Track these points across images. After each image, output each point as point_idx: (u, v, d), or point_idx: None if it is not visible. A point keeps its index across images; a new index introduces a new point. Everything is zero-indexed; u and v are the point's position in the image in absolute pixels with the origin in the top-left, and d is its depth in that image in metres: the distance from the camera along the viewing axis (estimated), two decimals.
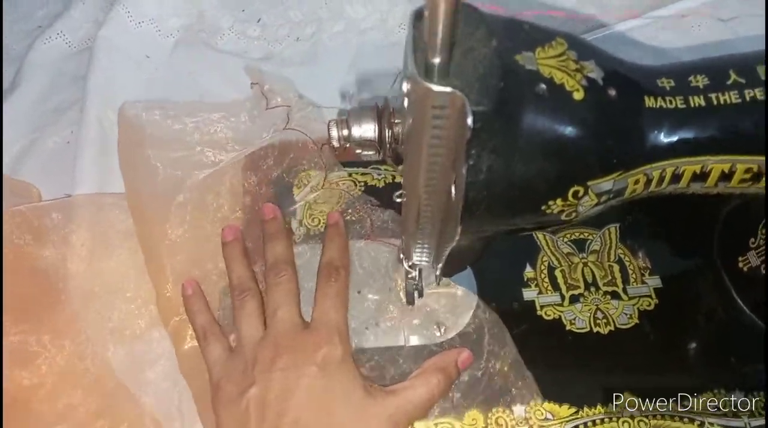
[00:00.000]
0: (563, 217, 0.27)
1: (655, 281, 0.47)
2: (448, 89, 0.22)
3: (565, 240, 0.49)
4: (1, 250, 0.47)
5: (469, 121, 0.22)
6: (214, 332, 0.44)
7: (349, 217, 0.49)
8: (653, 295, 0.46)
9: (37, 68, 0.65)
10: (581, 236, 0.49)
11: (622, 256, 0.48)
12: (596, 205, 0.27)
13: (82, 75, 0.63)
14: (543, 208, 0.26)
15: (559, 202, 0.26)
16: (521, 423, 0.42)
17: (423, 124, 0.24)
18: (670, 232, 0.50)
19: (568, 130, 0.24)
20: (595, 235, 0.49)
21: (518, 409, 0.43)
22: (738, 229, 0.46)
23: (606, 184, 0.26)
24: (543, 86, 0.24)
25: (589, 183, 0.26)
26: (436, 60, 0.23)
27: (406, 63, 0.25)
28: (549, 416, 0.42)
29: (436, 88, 0.22)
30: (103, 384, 0.45)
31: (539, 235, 0.49)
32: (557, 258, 0.48)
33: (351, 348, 0.42)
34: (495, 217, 0.27)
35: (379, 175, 0.52)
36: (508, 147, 0.24)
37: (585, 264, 0.48)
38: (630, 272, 0.47)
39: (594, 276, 0.47)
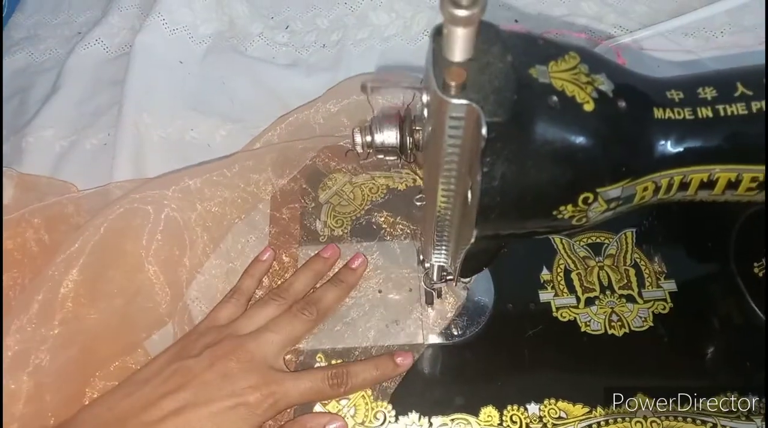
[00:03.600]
0: (574, 222, 0.28)
1: (670, 285, 0.48)
2: (465, 101, 0.24)
3: (582, 243, 0.50)
4: (0, 250, 0.50)
5: (484, 131, 0.24)
6: (242, 300, 0.47)
7: (371, 218, 0.51)
8: (668, 299, 0.47)
9: (77, 73, 0.68)
10: (597, 240, 0.50)
11: (637, 260, 0.49)
12: (606, 211, 0.28)
13: (119, 79, 0.66)
14: (554, 213, 0.28)
15: (569, 207, 0.27)
16: (535, 421, 0.43)
17: (441, 134, 0.26)
18: (686, 237, 0.51)
19: (578, 140, 0.26)
20: (611, 239, 0.50)
21: (532, 407, 0.44)
22: (754, 235, 0.47)
23: (614, 191, 0.27)
24: (555, 98, 0.26)
25: (598, 190, 0.27)
26: (454, 79, 0.24)
27: (426, 76, 0.27)
28: (563, 414, 0.44)
29: (454, 101, 0.24)
30: None
31: (556, 239, 0.50)
32: (573, 262, 0.49)
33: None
34: (508, 221, 0.29)
35: (401, 178, 0.54)
36: (521, 155, 0.26)
37: (601, 268, 0.49)
38: (645, 276, 0.48)
39: (610, 279, 0.48)
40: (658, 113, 0.28)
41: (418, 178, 0.53)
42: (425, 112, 0.29)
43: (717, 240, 0.50)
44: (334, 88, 0.61)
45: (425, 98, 0.28)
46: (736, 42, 0.67)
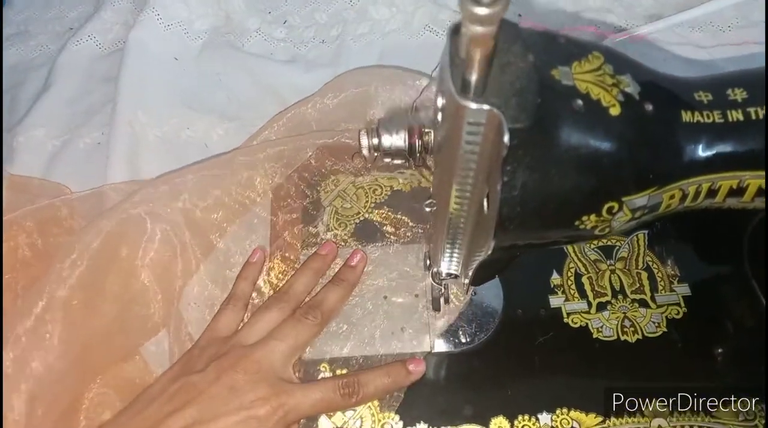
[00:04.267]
0: (596, 232, 0.27)
1: (683, 289, 0.47)
2: (486, 107, 0.22)
3: (592, 247, 0.49)
4: (0, 251, 0.48)
5: (506, 139, 0.22)
6: (239, 305, 0.46)
7: (375, 221, 0.50)
8: (682, 303, 0.46)
9: (69, 70, 0.66)
10: (609, 243, 0.49)
11: (650, 264, 0.48)
12: (630, 220, 0.27)
13: (112, 76, 0.64)
14: (576, 223, 0.26)
15: (593, 217, 0.26)
16: None
17: (457, 140, 0.24)
18: (699, 240, 0.49)
19: (604, 146, 0.24)
20: (623, 242, 0.49)
21: (544, 417, 0.43)
22: None
23: (641, 199, 0.26)
24: (579, 102, 0.24)
25: (624, 198, 0.26)
26: (473, 77, 0.23)
27: (442, 77, 0.26)
28: (575, 425, 0.42)
29: (473, 105, 0.23)
30: None
31: None
32: (584, 265, 0.48)
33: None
34: (528, 232, 0.27)
35: (405, 179, 0.52)
36: (543, 163, 0.24)
37: (612, 272, 0.48)
38: (658, 280, 0.47)
39: (622, 283, 0.47)
40: (686, 116, 0.26)
41: (424, 179, 0.52)
42: (439, 116, 0.28)
43: (730, 242, 0.48)
44: (331, 82, 0.60)
45: (440, 102, 0.26)
46: (744, 36, 0.66)
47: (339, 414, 0.43)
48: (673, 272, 0.47)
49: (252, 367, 0.40)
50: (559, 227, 0.27)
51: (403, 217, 0.50)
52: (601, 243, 0.49)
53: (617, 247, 0.49)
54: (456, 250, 0.34)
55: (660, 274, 0.47)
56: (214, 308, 0.47)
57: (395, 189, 0.51)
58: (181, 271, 0.48)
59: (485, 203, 0.27)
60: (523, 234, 0.27)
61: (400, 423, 0.42)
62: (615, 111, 0.24)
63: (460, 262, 0.36)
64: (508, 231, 0.26)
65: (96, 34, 0.68)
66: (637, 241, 0.49)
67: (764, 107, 0.26)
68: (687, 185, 0.27)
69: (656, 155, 0.26)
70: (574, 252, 0.48)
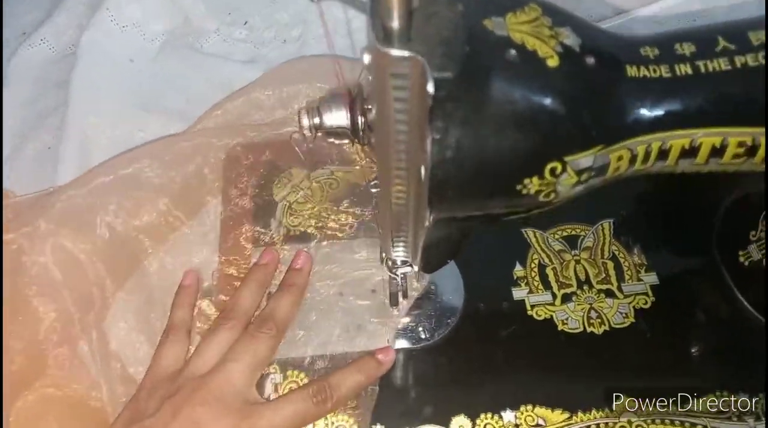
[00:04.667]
0: (541, 198, 0.25)
1: (651, 278, 0.45)
2: (407, 53, 0.20)
3: (557, 237, 0.47)
4: (0, 253, 0.45)
5: (430, 87, 0.20)
6: (180, 335, 0.41)
7: (331, 215, 0.48)
8: (650, 293, 0.44)
9: (20, 74, 0.64)
10: (573, 232, 0.47)
11: (616, 253, 0.46)
12: (577, 184, 0.25)
13: (65, 80, 0.62)
14: (518, 187, 0.24)
15: (535, 180, 0.24)
16: None
17: (385, 97, 0.23)
18: (667, 227, 0.48)
19: (542, 100, 0.23)
20: (587, 231, 0.47)
21: (508, 415, 0.40)
22: (738, 222, 0.44)
23: (586, 159, 0.24)
24: (513, 52, 0.22)
25: (566, 158, 0.24)
26: (395, 24, 0.21)
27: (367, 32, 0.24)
28: (541, 422, 0.40)
29: (394, 52, 0.21)
30: None
31: (529, 232, 0.47)
32: (548, 256, 0.46)
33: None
34: (466, 199, 0.25)
35: (362, 172, 0.50)
36: (477, 118, 0.22)
37: (578, 262, 0.46)
38: (625, 269, 0.45)
39: (587, 273, 0.45)
40: (631, 71, 0.24)
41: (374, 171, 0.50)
42: (369, 78, 0.26)
43: (699, 229, 0.47)
44: (269, 73, 0.58)
45: (366, 59, 0.24)
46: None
47: None
48: (640, 261, 0.46)
49: (211, 396, 0.36)
50: (501, 193, 0.25)
51: (360, 211, 0.48)
52: (565, 234, 0.47)
53: (582, 237, 0.47)
54: (402, 232, 0.32)
55: (626, 264, 0.46)
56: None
57: (352, 182, 0.49)
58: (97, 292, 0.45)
59: (422, 170, 0.25)
60: (462, 202, 0.25)
61: (354, 426, 0.40)
62: (553, 62, 0.23)
63: (409, 246, 0.34)
64: (445, 198, 0.24)
65: (49, 38, 0.66)
66: (603, 231, 0.47)
67: (713, 60, 0.24)
68: (635, 145, 0.25)
69: (599, 111, 0.24)
70: (538, 242, 0.46)
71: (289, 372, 0.42)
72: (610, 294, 0.44)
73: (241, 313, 0.41)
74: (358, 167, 0.50)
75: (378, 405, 0.41)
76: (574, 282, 0.45)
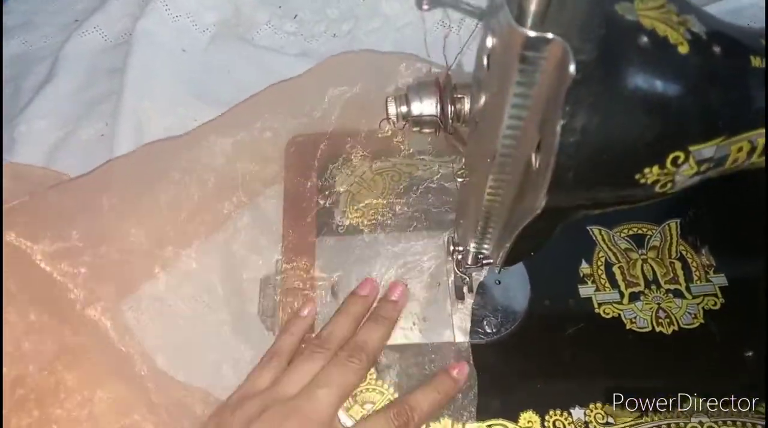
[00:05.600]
0: (657, 189, 0.25)
1: (720, 279, 0.44)
2: (549, 35, 0.20)
3: (623, 235, 0.46)
4: (1, 251, 0.45)
5: (572, 68, 0.20)
6: (282, 361, 0.41)
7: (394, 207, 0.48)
8: (719, 294, 0.44)
9: (73, 61, 0.64)
10: (639, 231, 0.46)
11: (683, 253, 0.45)
12: (695, 174, 0.25)
13: (117, 68, 0.62)
14: (637, 177, 0.24)
15: (655, 169, 0.24)
16: (580, 426, 0.39)
17: (511, 78, 0.22)
18: (735, 228, 0.47)
19: (672, 87, 0.22)
20: (654, 231, 0.46)
21: (577, 412, 0.40)
22: None
23: (708, 150, 0.24)
24: (645, 39, 0.22)
25: (690, 148, 0.23)
26: (533, 6, 0.21)
27: (492, 12, 0.24)
28: (610, 420, 0.40)
29: (532, 33, 0.20)
30: None
31: (595, 230, 0.46)
32: (615, 254, 0.45)
33: None
34: (582, 188, 0.25)
35: (424, 165, 0.50)
36: (606, 103, 0.22)
37: (645, 261, 0.45)
38: (693, 269, 0.45)
39: (654, 273, 0.45)
40: (755, 61, 0.24)
41: (443, 165, 0.49)
42: (485, 62, 0.26)
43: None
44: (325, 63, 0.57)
45: (489, 41, 0.24)
46: None
47: (357, 407, 0.40)
48: (708, 262, 0.45)
49: (301, 422, 0.36)
50: (618, 181, 0.25)
51: (424, 204, 0.48)
52: (631, 232, 0.46)
53: (649, 236, 0.46)
54: (492, 223, 0.32)
55: (694, 264, 0.45)
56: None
57: (414, 175, 0.49)
58: None
59: (533, 157, 0.25)
60: (577, 190, 0.25)
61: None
62: (683, 49, 0.22)
63: (493, 238, 0.34)
64: (562, 186, 0.24)
65: (102, 26, 0.66)
66: (669, 230, 0.46)
67: None
68: (756, 137, 0.25)
69: (726, 101, 0.24)
70: (604, 240, 0.46)
71: None
72: (678, 294, 0.44)
73: (335, 343, 0.41)
74: (420, 160, 0.50)
75: None
76: (641, 282, 0.44)
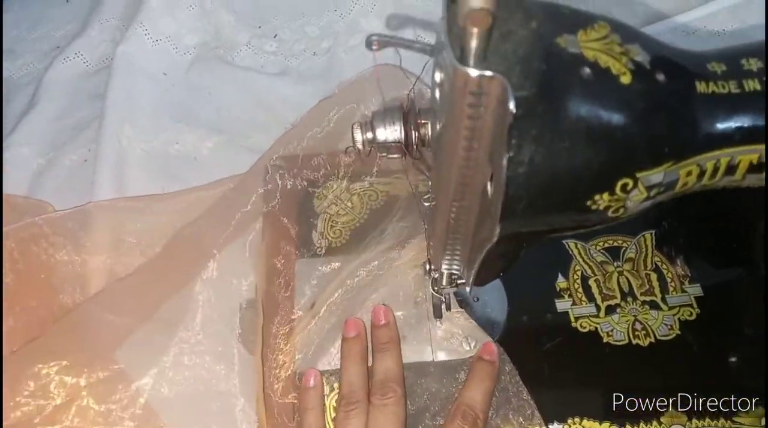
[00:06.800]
0: (610, 214, 0.25)
1: (695, 289, 0.45)
2: (488, 73, 0.21)
3: (598, 248, 0.47)
4: (0, 261, 0.46)
5: (512, 105, 0.21)
6: None
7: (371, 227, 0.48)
8: (694, 305, 0.44)
9: (55, 87, 0.65)
10: (615, 244, 0.47)
11: (659, 264, 0.46)
12: (645, 199, 0.25)
13: (99, 93, 0.63)
14: (588, 203, 0.24)
15: (605, 196, 0.24)
16: None
17: (458, 114, 0.23)
18: (710, 238, 0.47)
19: (616, 116, 0.23)
20: (629, 243, 0.47)
21: (555, 427, 0.40)
22: None
23: (656, 175, 0.24)
24: (588, 70, 0.23)
25: (638, 174, 0.24)
26: (473, 45, 0.21)
27: (439, 49, 0.24)
28: None
29: (474, 72, 0.21)
30: None
31: (570, 244, 0.47)
32: (591, 267, 0.46)
33: None
34: (536, 215, 0.25)
35: (401, 184, 0.50)
36: (551, 135, 0.23)
37: (620, 273, 0.46)
38: (669, 280, 0.45)
39: (630, 285, 0.45)
40: (700, 87, 0.25)
41: (419, 183, 0.50)
42: (437, 94, 0.26)
43: (742, 239, 0.46)
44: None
45: (438, 76, 0.25)
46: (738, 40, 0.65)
47: None
48: (683, 272, 0.45)
49: None
50: (570, 208, 0.25)
51: (400, 223, 0.48)
52: (607, 245, 0.47)
53: (624, 248, 0.47)
54: (459, 246, 0.33)
55: (670, 275, 0.45)
56: None
57: (392, 194, 0.50)
58: None
59: (489, 186, 0.26)
60: (531, 216, 0.25)
61: None
62: (626, 79, 0.23)
63: (463, 260, 0.34)
64: (515, 214, 0.24)
65: (83, 52, 0.67)
66: (645, 242, 0.47)
67: None
68: (705, 160, 0.25)
69: (671, 127, 0.24)
70: (580, 254, 0.46)
71: (336, 384, 0.42)
72: (654, 305, 0.44)
73: (361, 392, 0.41)
74: (396, 178, 0.50)
75: (421, 419, 0.41)
76: (617, 294, 0.45)
